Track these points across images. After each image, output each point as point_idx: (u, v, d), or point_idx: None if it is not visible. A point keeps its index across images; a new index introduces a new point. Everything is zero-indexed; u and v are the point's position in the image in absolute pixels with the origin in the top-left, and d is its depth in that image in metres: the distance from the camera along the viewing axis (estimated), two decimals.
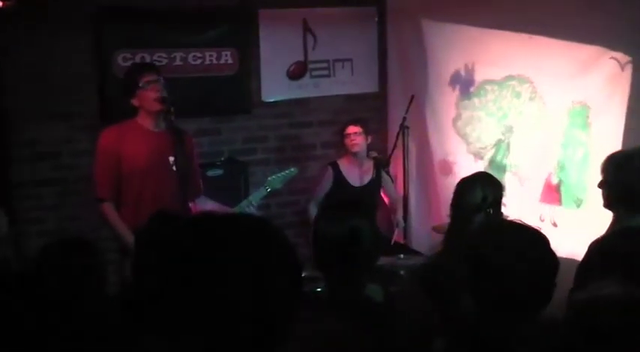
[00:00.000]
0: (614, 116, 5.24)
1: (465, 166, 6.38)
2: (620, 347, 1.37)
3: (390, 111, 7.41)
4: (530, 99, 5.98)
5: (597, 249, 3.09)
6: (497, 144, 6.29)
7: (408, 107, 6.17)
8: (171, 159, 4.79)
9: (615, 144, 5.08)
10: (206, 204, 5.05)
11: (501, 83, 6.20)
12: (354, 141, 6.22)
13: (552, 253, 2.23)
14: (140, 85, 4.77)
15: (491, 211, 3.81)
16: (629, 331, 1.35)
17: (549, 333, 1.79)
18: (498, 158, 6.32)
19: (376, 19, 7.43)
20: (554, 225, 5.82)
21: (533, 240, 2.24)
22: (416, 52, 7.00)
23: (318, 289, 5.11)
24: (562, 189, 5.77)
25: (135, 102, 4.83)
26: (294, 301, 1.66)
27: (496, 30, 6.17)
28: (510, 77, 6.11)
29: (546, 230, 5.68)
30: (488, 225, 3.02)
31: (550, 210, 5.86)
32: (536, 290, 2.13)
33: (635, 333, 1.37)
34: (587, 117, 5.46)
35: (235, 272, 1.57)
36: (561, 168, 5.75)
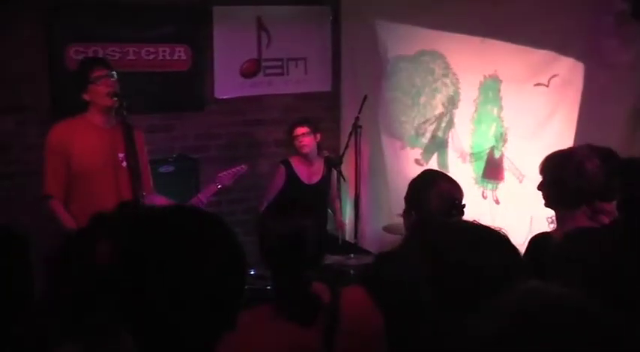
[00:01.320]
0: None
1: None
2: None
3: (343, 111, 7.44)
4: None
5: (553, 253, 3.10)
6: (439, 118, 6.43)
7: (361, 107, 6.19)
8: (121, 155, 4.77)
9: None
10: (156, 200, 5.02)
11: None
12: (302, 143, 6.23)
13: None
14: (91, 79, 4.73)
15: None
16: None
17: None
18: (439, 134, 6.47)
19: (330, 18, 7.45)
20: (497, 202, 5.95)
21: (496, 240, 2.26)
22: (369, 52, 7.04)
23: (268, 287, 5.15)
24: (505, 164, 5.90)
25: (86, 96, 4.78)
26: (239, 293, 1.67)
27: (448, 32, 6.26)
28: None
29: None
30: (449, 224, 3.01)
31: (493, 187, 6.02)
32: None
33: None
34: None
35: (175, 265, 1.58)
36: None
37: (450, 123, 6.41)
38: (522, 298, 1.37)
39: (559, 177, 3.67)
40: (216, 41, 6.94)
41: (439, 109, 6.49)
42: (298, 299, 2.74)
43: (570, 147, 4.12)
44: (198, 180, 6.65)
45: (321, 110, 7.37)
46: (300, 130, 6.24)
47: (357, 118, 6.22)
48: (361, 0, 7.18)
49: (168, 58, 6.75)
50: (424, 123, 6.63)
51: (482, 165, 6.14)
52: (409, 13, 6.57)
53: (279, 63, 7.31)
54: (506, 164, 5.92)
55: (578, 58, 5.34)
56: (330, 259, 5.16)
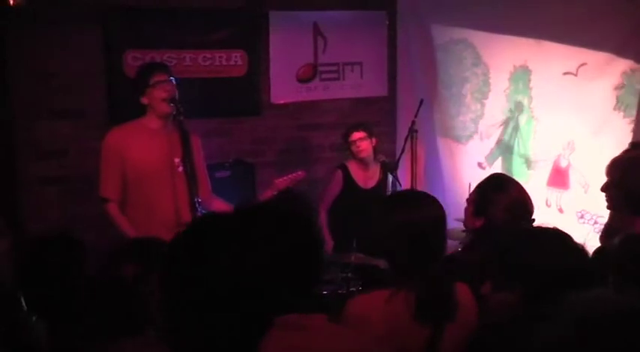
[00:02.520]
0: None
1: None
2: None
3: (399, 115, 7.40)
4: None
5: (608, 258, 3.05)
6: (506, 123, 6.36)
7: (417, 111, 6.13)
8: (177, 160, 4.79)
9: None
10: (215, 204, 5.02)
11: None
12: (360, 148, 6.20)
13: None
14: (150, 83, 4.76)
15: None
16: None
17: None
18: (506, 138, 6.40)
19: (387, 22, 7.42)
20: (561, 210, 5.86)
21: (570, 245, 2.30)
22: (425, 56, 7.00)
23: (325, 292, 5.15)
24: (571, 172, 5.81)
25: (144, 100, 4.81)
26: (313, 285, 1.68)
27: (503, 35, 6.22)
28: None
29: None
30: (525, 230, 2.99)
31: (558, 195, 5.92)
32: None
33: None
34: None
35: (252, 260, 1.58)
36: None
37: (517, 128, 6.34)
38: (587, 305, 1.34)
39: (624, 181, 3.60)
40: (273, 46, 6.95)
41: (505, 114, 6.42)
42: (439, 297, 2.73)
43: (637, 152, 4.01)
44: (254, 185, 6.66)
45: (377, 114, 7.34)
46: (357, 135, 6.21)
47: (413, 122, 6.16)
48: (418, 4, 7.13)
49: (224, 63, 6.78)
50: (491, 126, 6.56)
51: (547, 172, 6.05)
52: (465, 18, 6.53)
53: (335, 68, 7.29)
54: (571, 173, 5.83)
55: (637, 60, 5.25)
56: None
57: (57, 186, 6.25)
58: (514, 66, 6.23)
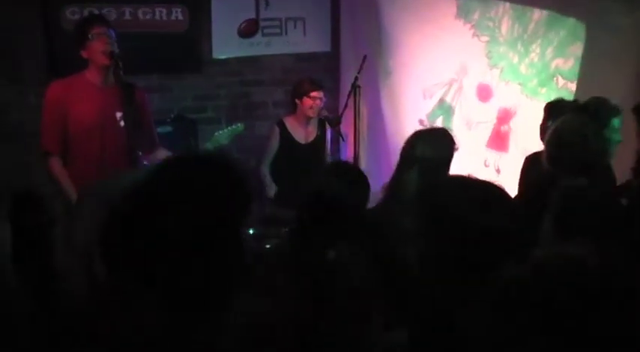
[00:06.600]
0: None
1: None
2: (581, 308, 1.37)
3: (342, 71, 7.38)
4: None
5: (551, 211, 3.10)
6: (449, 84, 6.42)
7: (361, 67, 6.15)
8: (119, 114, 4.75)
9: None
10: (161, 154, 5.00)
11: None
12: (317, 106, 6.20)
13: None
14: (89, 36, 4.71)
15: (427, 167, 3.75)
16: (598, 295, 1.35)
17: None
18: (448, 100, 6.46)
19: None
20: (498, 171, 5.98)
21: (497, 195, 2.15)
22: (368, 12, 6.98)
23: (267, 246, 5.16)
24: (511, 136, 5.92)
25: (84, 53, 4.77)
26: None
27: None
28: None
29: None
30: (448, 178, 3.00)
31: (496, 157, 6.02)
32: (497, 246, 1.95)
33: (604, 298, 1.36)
34: None
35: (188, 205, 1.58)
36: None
37: (460, 91, 6.39)
38: (547, 255, 1.41)
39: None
40: (214, 1, 6.86)
41: (450, 75, 6.47)
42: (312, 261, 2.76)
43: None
44: (196, 141, 6.62)
45: (320, 70, 7.30)
46: (318, 94, 6.21)
47: (356, 78, 6.17)
48: None
49: (165, 18, 6.68)
50: (434, 85, 6.59)
51: (487, 134, 6.14)
52: None
53: (278, 23, 7.24)
54: (512, 137, 5.94)
55: (579, 18, 5.33)
56: None
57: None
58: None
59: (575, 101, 4.93)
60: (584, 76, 5.41)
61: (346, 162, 5.25)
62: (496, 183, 2.15)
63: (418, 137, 3.89)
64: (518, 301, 1.36)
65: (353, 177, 3.59)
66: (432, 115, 6.67)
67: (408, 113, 6.83)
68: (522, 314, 1.34)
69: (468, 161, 5.99)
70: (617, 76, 5.15)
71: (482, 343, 1.43)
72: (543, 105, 5.35)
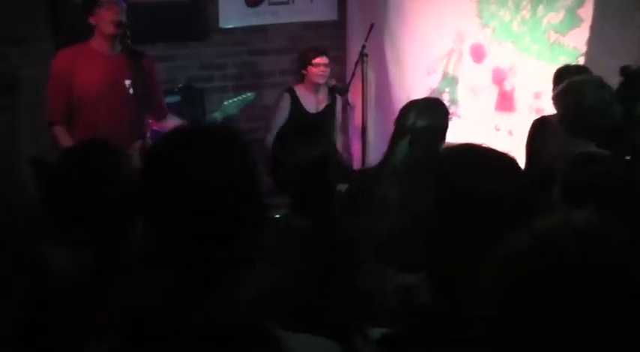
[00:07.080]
0: None
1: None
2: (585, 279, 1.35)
3: (349, 39, 7.35)
4: None
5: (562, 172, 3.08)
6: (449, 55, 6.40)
7: (367, 35, 6.12)
8: (127, 82, 4.74)
9: None
10: (172, 122, 5.01)
11: None
12: (323, 73, 6.14)
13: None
14: (99, 3, 4.68)
15: (419, 137, 3.74)
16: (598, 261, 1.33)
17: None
18: (450, 72, 6.46)
19: None
20: (510, 133, 5.99)
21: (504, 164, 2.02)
22: None
23: (277, 215, 5.15)
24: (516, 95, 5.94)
25: (92, 20, 4.75)
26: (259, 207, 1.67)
27: None
28: None
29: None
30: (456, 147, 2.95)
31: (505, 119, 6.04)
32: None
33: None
34: None
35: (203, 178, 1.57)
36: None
37: (460, 59, 6.38)
38: (547, 223, 1.39)
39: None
40: None
41: (449, 44, 6.44)
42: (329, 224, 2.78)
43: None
44: (204, 111, 6.61)
45: (327, 39, 7.26)
46: (322, 60, 6.14)
47: (363, 47, 6.15)
48: None
49: None
50: (436, 60, 6.58)
51: (494, 98, 6.14)
52: None
53: None
54: (517, 95, 5.93)
55: None
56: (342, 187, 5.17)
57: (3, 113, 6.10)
58: None
59: (583, 67, 4.92)
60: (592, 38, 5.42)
61: None
62: (506, 152, 2.10)
63: (411, 107, 3.89)
64: (516, 271, 1.34)
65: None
66: (439, 89, 6.65)
67: (415, 81, 6.80)
68: (520, 284, 1.32)
69: (479, 127, 6.00)
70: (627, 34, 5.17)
71: (480, 312, 1.42)
72: (537, 62, 5.37)
